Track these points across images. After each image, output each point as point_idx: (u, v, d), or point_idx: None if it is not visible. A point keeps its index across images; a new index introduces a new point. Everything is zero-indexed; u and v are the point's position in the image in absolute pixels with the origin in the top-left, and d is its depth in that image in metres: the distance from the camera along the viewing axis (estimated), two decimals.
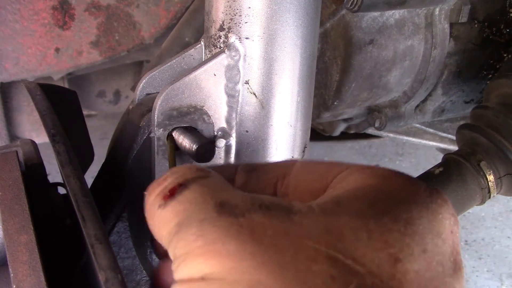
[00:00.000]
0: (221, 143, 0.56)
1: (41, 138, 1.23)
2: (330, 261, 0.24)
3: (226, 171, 0.35)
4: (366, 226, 0.26)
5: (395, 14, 0.82)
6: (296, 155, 0.57)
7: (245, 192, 0.29)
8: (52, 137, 0.46)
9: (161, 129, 0.54)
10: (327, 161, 0.32)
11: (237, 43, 0.52)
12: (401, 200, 0.28)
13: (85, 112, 0.69)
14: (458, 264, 0.28)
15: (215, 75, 0.54)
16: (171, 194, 0.29)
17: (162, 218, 0.29)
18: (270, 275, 0.23)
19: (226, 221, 0.26)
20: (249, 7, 0.50)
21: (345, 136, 1.25)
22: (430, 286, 0.25)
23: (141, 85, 0.60)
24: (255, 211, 0.26)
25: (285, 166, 0.34)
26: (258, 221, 0.26)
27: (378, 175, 0.29)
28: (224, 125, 0.56)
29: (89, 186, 0.46)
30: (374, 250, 0.25)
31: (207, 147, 0.52)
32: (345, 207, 0.27)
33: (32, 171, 0.48)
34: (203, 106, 0.55)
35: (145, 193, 0.31)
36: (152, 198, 0.30)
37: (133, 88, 0.89)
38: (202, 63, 0.54)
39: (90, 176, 0.58)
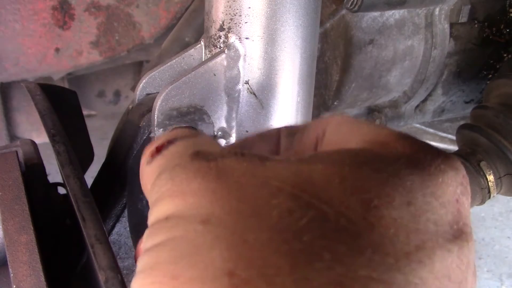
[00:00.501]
0: (221, 143, 0.56)
1: (41, 138, 1.23)
2: (292, 197, 0.23)
3: (269, 137, 0.34)
4: (340, 172, 0.24)
5: (395, 14, 0.82)
6: None
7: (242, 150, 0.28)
8: (52, 137, 0.46)
9: (161, 129, 0.54)
10: (365, 121, 0.30)
11: (237, 43, 0.52)
12: (390, 159, 0.26)
13: (85, 112, 0.69)
14: (465, 234, 0.25)
15: (215, 75, 0.54)
16: (158, 151, 0.29)
17: (147, 173, 0.29)
18: (225, 208, 0.23)
19: (198, 164, 0.25)
20: (249, 7, 0.50)
21: None
22: (415, 238, 0.23)
23: (141, 85, 0.60)
24: (229, 157, 0.25)
25: (324, 124, 0.32)
26: (228, 164, 0.25)
27: (376, 141, 0.27)
28: (224, 125, 0.56)
29: (89, 186, 0.46)
30: (345, 193, 0.23)
31: None
32: (322, 157, 0.26)
33: (32, 171, 0.48)
34: (203, 106, 0.55)
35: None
36: (143, 158, 0.30)
37: (133, 88, 0.89)
38: (202, 63, 0.54)
39: (90, 176, 0.58)
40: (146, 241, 0.24)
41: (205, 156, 0.26)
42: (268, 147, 0.33)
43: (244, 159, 0.25)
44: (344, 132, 0.30)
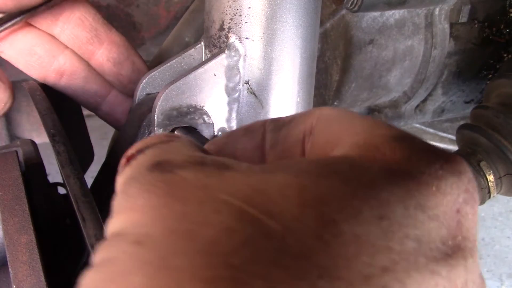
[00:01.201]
0: None
1: (41, 138, 1.23)
2: (237, 214, 0.20)
3: (253, 132, 0.31)
4: (300, 183, 0.21)
5: (395, 14, 0.82)
6: None
7: (204, 154, 0.25)
8: (52, 137, 0.46)
9: (161, 129, 0.54)
10: (359, 117, 0.26)
11: (237, 43, 0.52)
12: (371, 167, 0.22)
13: (85, 112, 0.69)
14: (462, 250, 0.21)
15: (215, 75, 0.54)
16: (127, 161, 0.27)
17: (117, 184, 0.27)
18: (161, 228, 0.20)
19: (151, 177, 0.23)
20: (249, 7, 0.50)
21: None
22: (383, 258, 0.19)
23: (141, 85, 0.60)
24: (187, 168, 0.23)
25: (312, 118, 0.28)
26: (184, 176, 0.23)
27: (365, 144, 0.24)
28: (224, 125, 0.56)
29: (89, 186, 0.46)
30: (301, 206, 0.20)
31: None
32: (288, 166, 0.22)
33: (32, 171, 0.48)
34: (203, 106, 0.55)
35: None
36: (118, 169, 0.29)
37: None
38: (202, 63, 0.54)
39: (90, 176, 0.58)
40: (93, 258, 0.23)
41: (163, 167, 0.24)
42: (253, 143, 0.30)
43: (202, 170, 0.23)
44: (334, 130, 0.26)
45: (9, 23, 0.54)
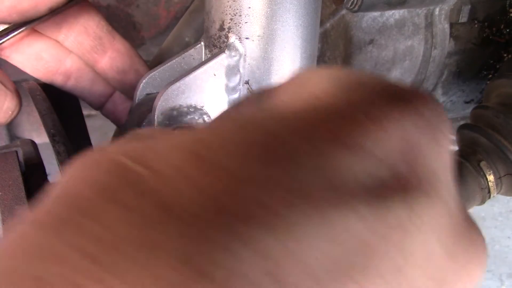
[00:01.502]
0: None
1: (41, 138, 1.23)
2: (114, 168, 0.18)
3: (245, 108, 0.28)
4: (193, 137, 0.19)
5: (395, 14, 0.82)
6: None
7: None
8: (52, 137, 0.46)
9: None
10: (337, 71, 0.22)
11: (237, 43, 0.52)
12: (283, 113, 0.19)
13: (85, 112, 0.69)
14: (403, 186, 0.18)
15: (215, 75, 0.54)
16: None
17: None
18: (51, 198, 0.20)
19: (89, 156, 0.22)
20: (249, 7, 0.50)
21: None
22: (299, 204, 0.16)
23: (141, 85, 0.60)
24: (118, 144, 0.22)
25: (294, 86, 0.25)
26: (109, 150, 0.21)
27: (309, 96, 0.20)
28: None
29: None
30: (181, 152, 0.18)
31: None
32: (198, 127, 0.20)
33: (32, 171, 0.48)
34: (203, 106, 0.55)
35: None
36: None
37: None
38: (202, 63, 0.54)
39: None
40: None
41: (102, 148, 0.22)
42: None
43: (128, 143, 0.21)
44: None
45: (14, 33, 0.55)
